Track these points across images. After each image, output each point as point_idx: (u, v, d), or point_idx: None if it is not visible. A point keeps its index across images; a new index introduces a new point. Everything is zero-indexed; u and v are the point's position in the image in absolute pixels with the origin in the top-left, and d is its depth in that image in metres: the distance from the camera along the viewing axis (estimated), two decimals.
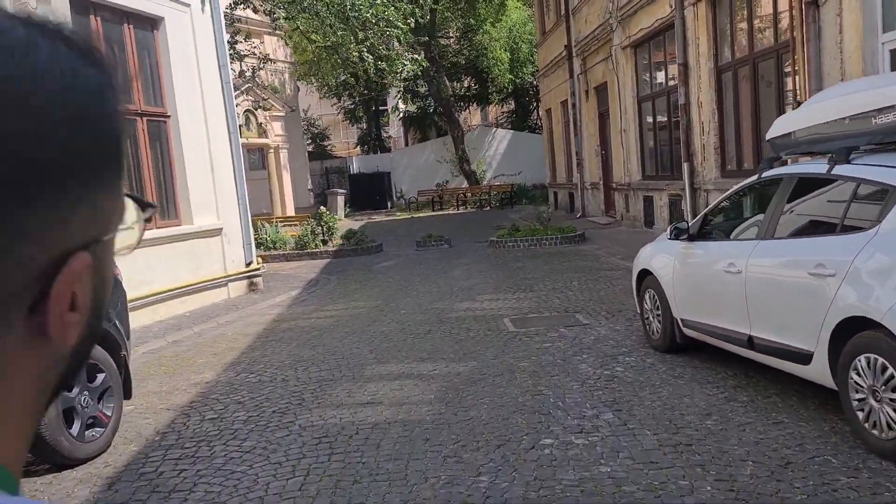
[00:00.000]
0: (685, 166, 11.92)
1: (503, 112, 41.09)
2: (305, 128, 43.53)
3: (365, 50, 18.33)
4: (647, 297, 6.20)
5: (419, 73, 36.20)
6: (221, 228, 10.49)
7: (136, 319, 8.65)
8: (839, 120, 4.29)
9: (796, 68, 8.50)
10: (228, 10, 17.47)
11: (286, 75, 30.61)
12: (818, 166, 4.33)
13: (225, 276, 10.52)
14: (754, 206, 5.33)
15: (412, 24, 19.51)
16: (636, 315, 7.00)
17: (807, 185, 4.51)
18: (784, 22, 9.09)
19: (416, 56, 18.19)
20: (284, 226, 17.11)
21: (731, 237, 5.18)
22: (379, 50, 17.85)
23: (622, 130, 15.64)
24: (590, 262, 11.91)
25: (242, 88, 24.15)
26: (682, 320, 5.62)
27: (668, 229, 5.58)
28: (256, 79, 25.02)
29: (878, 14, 7.16)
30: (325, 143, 42.46)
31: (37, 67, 0.46)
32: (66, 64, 0.48)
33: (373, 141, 40.03)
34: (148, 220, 0.61)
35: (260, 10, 20.52)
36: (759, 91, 10.04)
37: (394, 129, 48.27)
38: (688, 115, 11.83)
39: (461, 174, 32.12)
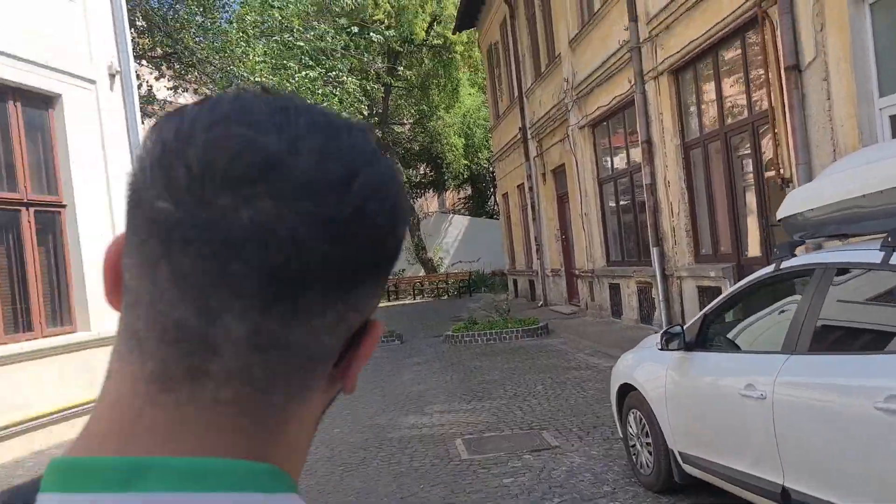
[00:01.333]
0: (654, 251, 10.89)
1: (460, 198, 40.51)
2: None
3: None
4: (631, 419, 4.89)
5: None
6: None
7: (6, 452, 7.03)
8: (886, 191, 3.17)
9: (777, 141, 7.57)
10: (148, 92, 16.40)
11: None
12: (867, 253, 3.17)
13: None
14: (766, 306, 4.14)
15: (360, 107, 18.66)
16: (615, 434, 5.68)
17: (850, 278, 3.36)
18: (759, 91, 8.25)
19: None
20: None
21: (744, 348, 3.96)
22: None
23: (583, 214, 14.70)
24: (555, 359, 10.62)
25: None
26: (680, 454, 4.32)
27: (660, 336, 4.33)
28: None
29: (872, 78, 6.28)
30: None
31: (388, 168, 0.54)
32: (389, 162, 0.55)
33: None
34: None
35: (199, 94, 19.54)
36: (734, 168, 9.13)
37: None
38: (654, 195, 10.89)
39: (417, 262, 30.99)
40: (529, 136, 18.32)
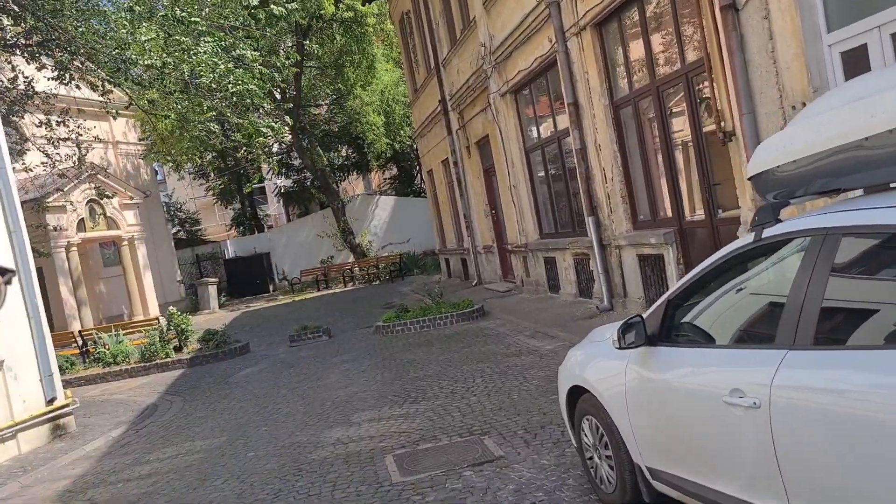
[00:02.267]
0: (589, 221, 10.20)
1: (386, 178, 39.41)
2: (170, 214, 40.27)
3: (213, 121, 16.02)
4: (585, 427, 4.11)
5: (283, 140, 34.07)
6: (3, 361, 7.74)
7: None
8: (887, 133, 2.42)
9: (716, 91, 6.90)
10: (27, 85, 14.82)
11: (139, 159, 27.69)
12: (885, 214, 2.41)
13: (11, 426, 7.72)
14: (742, 285, 3.38)
15: (270, 87, 17.34)
16: (566, 435, 4.91)
17: (863, 248, 2.61)
18: (692, 38, 7.56)
19: (272, 123, 15.92)
20: (129, 333, 14.22)
21: (722, 341, 3.19)
22: (229, 119, 15.53)
23: (511, 186, 13.95)
24: (493, 344, 9.86)
25: (82, 177, 21.17)
26: (649, 469, 3.56)
27: (616, 331, 3.52)
28: (91, 164, 22.00)
29: (818, 11, 5.62)
30: (197, 229, 39.30)
31: None
32: None
33: (248, 221, 37.23)
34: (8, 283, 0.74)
35: (98, 89, 17.88)
36: (669, 125, 8.46)
37: (273, 207, 45.73)
38: (585, 161, 10.18)
39: (346, 248, 29.86)
40: (450, 108, 17.43)
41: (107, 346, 13.57)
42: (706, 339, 3.29)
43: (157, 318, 13.81)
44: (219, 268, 31.87)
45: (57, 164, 17.23)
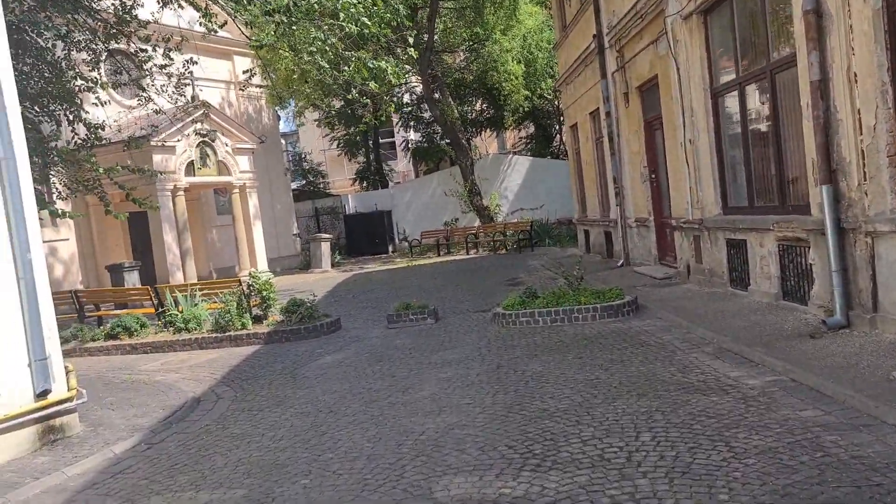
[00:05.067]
0: (822, 191, 6.77)
1: (521, 138, 36.22)
2: (295, 164, 39.08)
3: (324, 55, 13.50)
4: None
5: (412, 90, 31.37)
6: None
7: None
8: None
9: None
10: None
11: (262, 102, 26.05)
12: None
13: None
14: None
15: (393, 19, 14.60)
16: None
17: None
18: None
19: (385, 63, 13.17)
20: (206, 295, 12.19)
21: None
22: (338, 52, 12.99)
23: (685, 142, 10.54)
24: (657, 363, 6.74)
25: (195, 115, 19.54)
26: None
27: None
28: (203, 102, 20.27)
29: None
30: (320, 181, 37.90)
31: None
32: None
33: (373, 176, 35.30)
34: None
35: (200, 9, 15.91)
36: None
37: (401, 164, 43.78)
38: (826, 100, 6.71)
39: (472, 210, 27.12)
40: (607, 45, 14.06)
41: (180, 309, 11.57)
42: None
43: (239, 281, 11.61)
44: (338, 223, 30.15)
45: (169, 100, 15.44)
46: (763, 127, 8.72)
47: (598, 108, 15.60)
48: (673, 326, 8.39)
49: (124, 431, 6.40)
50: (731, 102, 9.48)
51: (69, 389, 6.31)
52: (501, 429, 5.37)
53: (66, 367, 6.55)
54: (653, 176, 13.01)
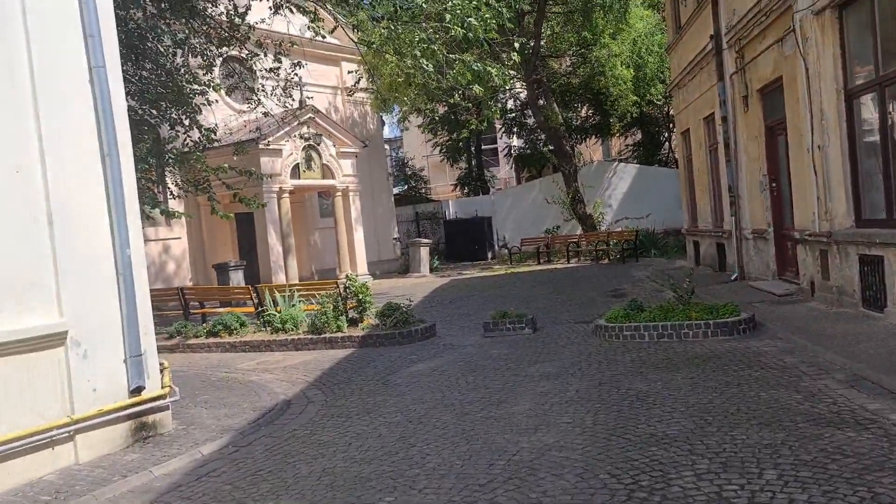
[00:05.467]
0: None
1: (628, 145, 35.11)
2: (399, 170, 39.46)
3: (430, 58, 13.33)
4: None
5: (517, 96, 30.92)
6: (66, 332, 5.60)
7: None
8: None
9: None
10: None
11: (367, 107, 26.36)
12: None
13: (66, 424, 5.56)
14: None
15: (498, 22, 14.27)
16: None
17: None
18: None
19: (489, 65, 12.90)
20: (304, 296, 12.24)
21: None
22: (443, 53, 12.81)
23: (813, 149, 9.66)
24: (781, 389, 6.06)
25: (303, 118, 19.93)
26: None
27: None
28: (311, 107, 20.63)
29: None
30: (421, 186, 38.08)
31: None
32: None
33: (474, 182, 35.11)
34: None
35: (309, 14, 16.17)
36: None
37: (503, 170, 43.46)
38: None
39: (574, 218, 26.42)
40: (725, 46, 13.22)
41: (278, 309, 11.66)
42: None
43: (336, 283, 11.58)
44: (438, 228, 30.11)
45: (277, 103, 15.76)
46: None
47: (713, 113, 14.72)
48: (796, 348, 7.61)
49: (214, 432, 6.34)
50: (869, 105, 8.58)
51: (163, 387, 6.31)
52: (603, 453, 4.91)
53: (161, 364, 6.57)
54: (773, 185, 12.08)
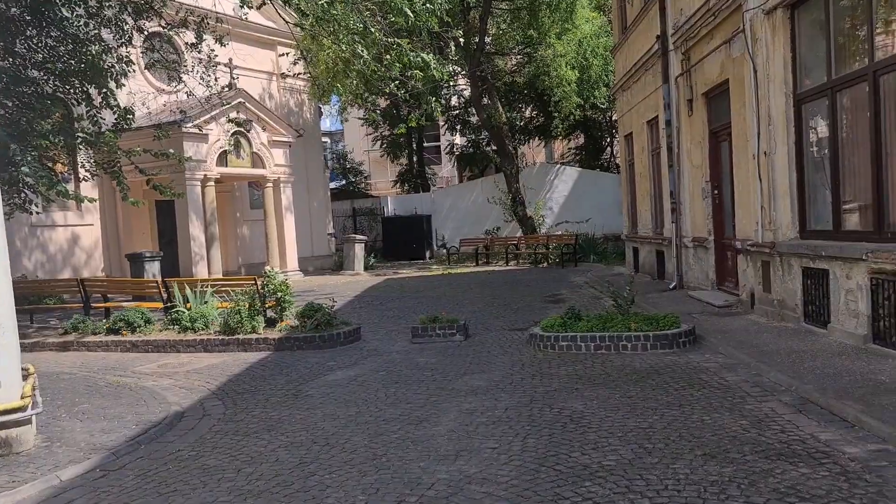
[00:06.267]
0: None
1: (570, 148, 34.94)
2: (336, 162, 38.44)
3: (362, 43, 12.54)
4: None
5: (460, 93, 30.36)
6: None
7: None
8: None
9: None
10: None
11: (304, 95, 25.30)
12: None
13: None
14: None
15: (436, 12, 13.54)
16: None
17: None
18: None
19: (425, 56, 12.21)
20: (220, 292, 11.30)
21: None
22: (374, 35, 12.04)
23: (759, 155, 9.27)
24: (725, 413, 5.54)
25: (233, 103, 18.83)
26: None
27: None
28: (241, 91, 19.54)
29: None
30: (360, 182, 37.15)
31: None
32: None
33: (414, 179, 34.37)
34: None
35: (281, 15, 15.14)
36: None
37: (446, 169, 42.86)
38: None
39: (515, 219, 25.97)
40: (672, 47, 12.83)
41: (188, 306, 10.68)
42: None
43: (254, 280, 10.68)
44: (376, 225, 29.27)
45: (201, 82, 14.65)
46: (860, 138, 7.43)
47: (656, 117, 14.35)
48: (738, 365, 7.15)
49: (83, 451, 5.43)
50: (819, 110, 8.20)
51: (22, 397, 5.36)
52: (531, 489, 4.25)
53: (25, 370, 5.62)
54: (715, 192, 11.73)
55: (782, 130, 8.68)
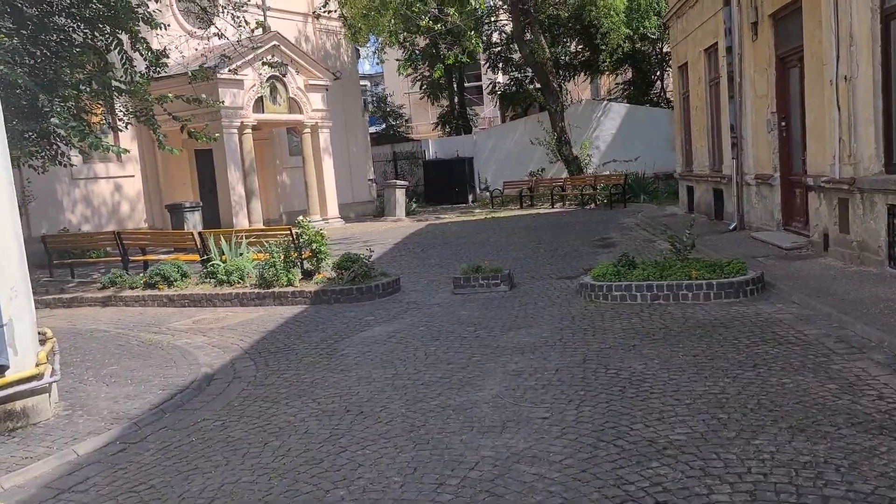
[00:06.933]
0: None
1: (618, 84, 33.46)
2: (375, 106, 37.69)
3: None
4: None
5: (502, 29, 29.06)
6: None
7: None
8: None
9: None
10: None
11: (341, 37, 24.47)
12: None
13: None
14: None
15: None
16: None
17: None
18: None
19: None
20: (254, 242, 10.91)
21: None
22: None
23: (837, 80, 8.31)
24: (809, 372, 4.89)
25: (266, 46, 18.19)
26: None
27: None
28: (276, 34, 18.84)
29: None
30: (401, 125, 36.36)
31: None
32: None
33: (456, 121, 33.44)
34: None
35: None
36: None
37: (488, 109, 41.71)
38: None
39: (560, 160, 25.03)
40: None
41: (224, 258, 10.32)
42: None
43: (289, 230, 10.22)
44: (417, 169, 28.61)
45: (232, 23, 14.04)
46: None
47: (715, 43, 13.26)
48: (816, 316, 6.44)
49: (104, 421, 5.08)
50: None
51: (37, 365, 5.00)
52: (588, 471, 3.70)
53: (42, 334, 5.26)
54: (783, 124, 10.75)
55: (867, 51, 7.70)
